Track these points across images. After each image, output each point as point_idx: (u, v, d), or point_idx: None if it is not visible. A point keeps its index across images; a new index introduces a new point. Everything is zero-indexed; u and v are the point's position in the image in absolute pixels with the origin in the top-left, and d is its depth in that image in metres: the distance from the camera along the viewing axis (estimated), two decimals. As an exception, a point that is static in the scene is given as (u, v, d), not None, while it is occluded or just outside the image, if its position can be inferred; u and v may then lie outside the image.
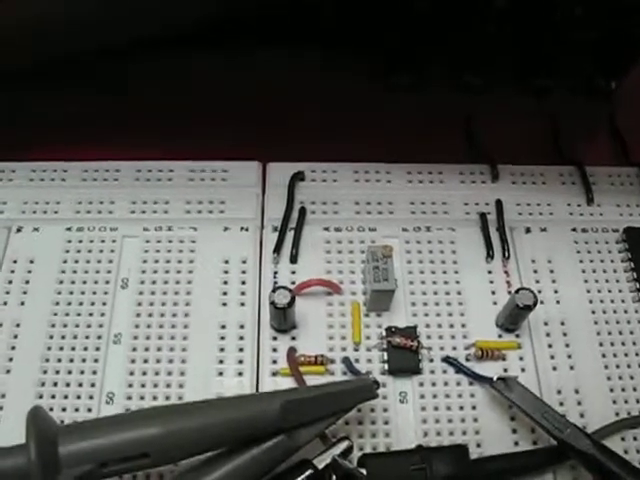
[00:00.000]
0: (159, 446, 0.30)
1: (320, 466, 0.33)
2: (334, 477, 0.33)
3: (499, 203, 0.45)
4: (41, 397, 0.38)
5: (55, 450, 0.30)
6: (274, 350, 0.39)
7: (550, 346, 0.41)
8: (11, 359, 0.39)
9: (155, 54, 0.45)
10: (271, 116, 0.47)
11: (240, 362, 0.39)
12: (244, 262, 0.42)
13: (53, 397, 0.38)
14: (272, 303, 0.37)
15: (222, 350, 0.39)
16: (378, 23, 0.45)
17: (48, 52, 0.42)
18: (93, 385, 0.38)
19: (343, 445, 0.34)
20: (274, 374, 0.39)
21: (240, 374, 0.39)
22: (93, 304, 0.40)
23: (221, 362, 0.39)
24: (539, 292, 0.41)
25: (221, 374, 0.39)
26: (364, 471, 0.34)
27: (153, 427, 0.31)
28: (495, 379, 0.37)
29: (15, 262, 0.42)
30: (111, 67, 0.46)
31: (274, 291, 0.37)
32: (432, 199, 0.45)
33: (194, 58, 0.45)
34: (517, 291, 0.38)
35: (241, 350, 0.39)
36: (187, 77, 0.47)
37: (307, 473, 0.33)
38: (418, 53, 0.48)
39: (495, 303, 0.42)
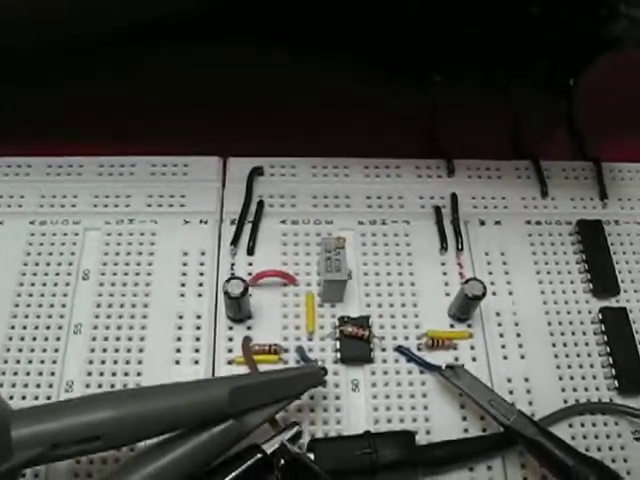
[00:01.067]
0: (110, 429, 0.31)
1: (269, 451, 0.34)
2: (282, 462, 0.34)
3: (454, 196, 0.46)
4: (1, 386, 0.38)
5: (7, 433, 0.30)
6: (230, 339, 0.40)
7: (501, 336, 0.41)
8: (-28, 348, 0.39)
9: (124, 48, 0.45)
10: (234, 110, 0.48)
11: (196, 351, 0.40)
12: (203, 254, 0.43)
13: (13, 386, 0.39)
14: (226, 293, 0.38)
15: (179, 339, 0.40)
16: (346, 21, 0.45)
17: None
18: (53, 374, 0.39)
19: (292, 430, 0.35)
20: (229, 363, 0.39)
21: (196, 362, 0.39)
22: (54, 295, 0.41)
23: (178, 351, 0.40)
24: (492, 284, 0.42)
25: (178, 362, 0.39)
26: (312, 456, 0.35)
27: (104, 410, 0.31)
28: (444, 367, 0.38)
29: (-21, 255, 0.42)
30: (73, 60, 0.46)
31: (228, 281, 0.38)
32: (388, 193, 0.46)
33: (167, 51, 0.46)
34: (466, 281, 0.39)
35: (198, 339, 0.40)
36: (157, 70, 0.47)
37: (255, 457, 0.34)
38: (385, 48, 0.48)
39: (448, 294, 0.42)
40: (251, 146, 0.46)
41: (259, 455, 0.34)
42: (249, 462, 0.34)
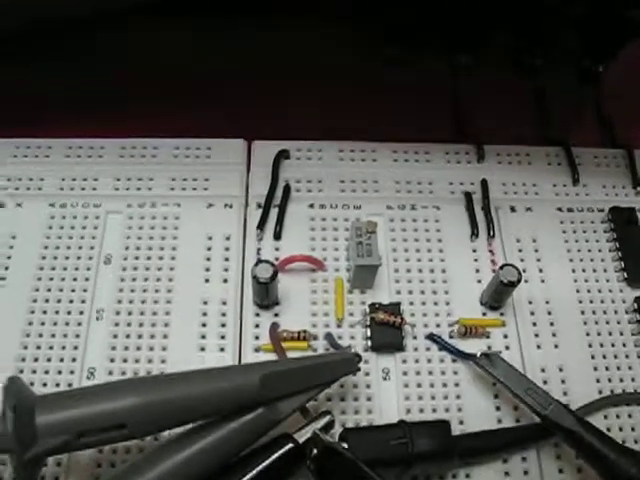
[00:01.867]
0: (136, 417, 0.30)
1: (301, 440, 0.33)
2: (315, 451, 0.33)
3: (484, 182, 0.45)
4: (22, 372, 0.37)
5: (32, 420, 0.29)
6: (257, 326, 0.39)
7: (534, 324, 0.40)
8: (-8, 334, 0.38)
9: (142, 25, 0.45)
10: (261, 93, 0.47)
11: (222, 338, 0.39)
12: (227, 239, 0.42)
13: (34, 372, 0.37)
14: (254, 277, 0.36)
15: (204, 326, 0.39)
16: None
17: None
18: (74, 360, 0.38)
19: (324, 419, 0.34)
20: (256, 350, 0.38)
21: (222, 350, 0.38)
22: (75, 280, 0.40)
23: (203, 337, 0.39)
24: (524, 271, 0.41)
25: (203, 349, 0.38)
26: (345, 445, 0.34)
27: (131, 397, 0.30)
28: (479, 355, 0.37)
29: (-3, 238, 0.41)
30: (106, 39, 0.45)
31: (257, 265, 0.37)
32: (417, 178, 0.45)
33: (187, 31, 0.45)
34: (501, 267, 0.38)
35: (223, 326, 0.39)
36: (175, 52, 0.46)
37: (287, 447, 0.33)
38: (411, 30, 0.47)
39: (479, 281, 0.41)
40: (277, 129, 0.45)
41: (291, 444, 0.33)
42: (280, 452, 0.32)
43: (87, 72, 0.47)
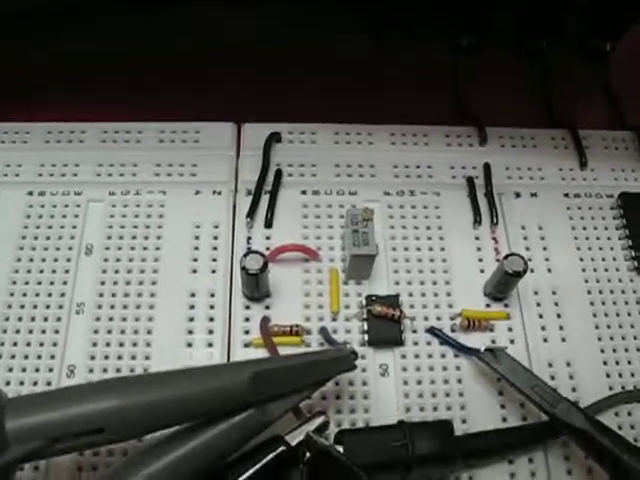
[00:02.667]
0: (116, 421, 0.28)
1: (293, 443, 0.31)
2: (308, 454, 0.31)
3: (487, 167, 0.43)
4: (-3, 370, 0.35)
5: (1, 424, 0.27)
6: (246, 320, 0.37)
7: (541, 316, 0.39)
8: (-34, 330, 0.36)
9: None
10: (250, 76, 0.45)
11: (210, 332, 0.37)
12: (216, 227, 0.40)
13: (10, 370, 0.36)
14: (243, 269, 0.34)
15: (191, 320, 0.37)
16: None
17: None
18: (53, 357, 0.36)
19: (318, 420, 0.32)
20: (246, 345, 0.37)
21: (210, 345, 0.37)
22: (55, 272, 0.38)
23: (190, 332, 0.37)
24: (529, 260, 0.39)
25: (190, 345, 0.37)
26: (341, 448, 0.32)
27: (109, 400, 0.28)
28: (483, 350, 0.35)
29: (-27, 228, 0.39)
30: (76, 23, 0.43)
31: (246, 256, 0.35)
32: (416, 162, 0.43)
33: (185, 19, 0.43)
34: (506, 257, 0.36)
35: (211, 320, 0.37)
36: (161, 31, 0.44)
37: (279, 450, 0.31)
38: (410, 11, 0.45)
39: (482, 271, 0.40)
40: (268, 111, 0.44)
41: (282, 447, 0.31)
42: (272, 455, 0.31)
43: (67, 54, 0.44)
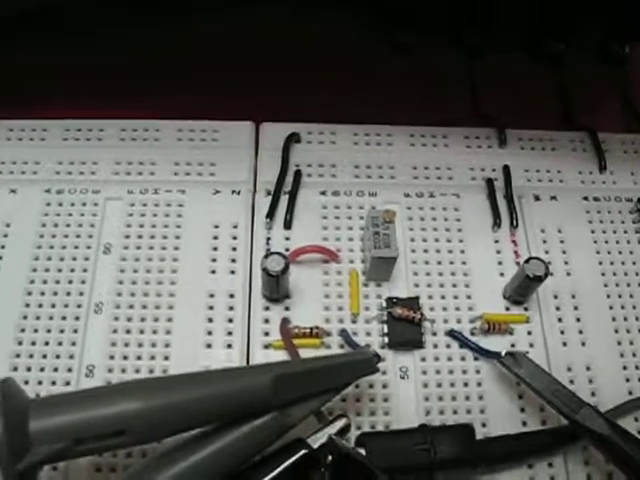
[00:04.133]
0: (138, 423, 0.28)
1: (315, 445, 0.31)
2: (330, 457, 0.31)
3: (507, 169, 0.43)
4: (16, 369, 0.35)
5: (25, 425, 0.27)
6: (266, 321, 0.37)
7: (560, 320, 0.38)
8: (-16, 328, 0.36)
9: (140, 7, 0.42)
10: (269, 74, 0.45)
11: (229, 333, 0.37)
12: (235, 227, 0.40)
13: (29, 370, 0.35)
14: (264, 270, 0.34)
15: (210, 321, 0.37)
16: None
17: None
18: (72, 357, 0.36)
19: (340, 423, 0.32)
20: (266, 347, 0.36)
21: (229, 346, 0.36)
22: (73, 271, 0.38)
23: (209, 333, 0.37)
24: (549, 263, 0.38)
25: (209, 346, 0.36)
26: (363, 451, 0.32)
27: (132, 402, 0.28)
28: (503, 354, 0.35)
29: (-9, 225, 0.39)
30: (109, 27, 0.43)
31: (267, 257, 0.34)
32: (436, 164, 0.43)
33: (186, 11, 0.43)
34: (527, 261, 0.36)
35: (230, 321, 0.37)
36: (182, 30, 0.44)
37: (301, 453, 0.31)
38: (426, 12, 0.45)
39: (502, 274, 0.39)
40: (287, 115, 0.43)
41: (304, 450, 0.31)
42: (293, 458, 0.30)
43: (87, 51, 0.44)
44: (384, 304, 0.37)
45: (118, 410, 0.28)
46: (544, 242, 0.41)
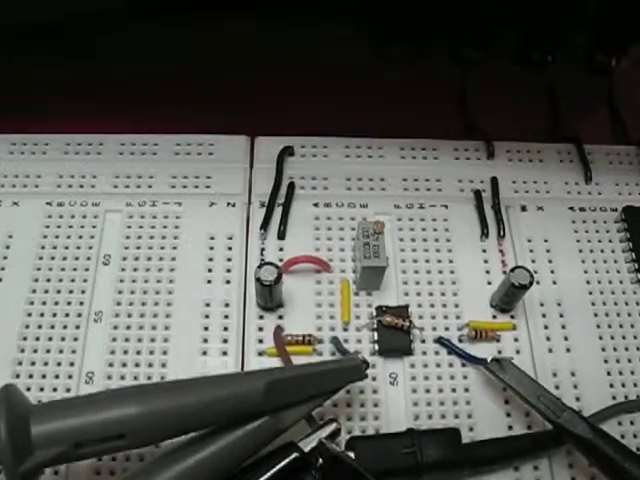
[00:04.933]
0: (136, 427, 0.29)
1: (306, 449, 0.32)
2: (320, 461, 0.32)
3: (494, 180, 0.44)
4: (18, 376, 0.36)
5: (27, 430, 0.28)
6: (260, 329, 0.38)
7: (546, 327, 0.39)
8: (-13, 337, 0.37)
9: (144, 22, 0.44)
10: (262, 88, 0.46)
11: (225, 341, 0.38)
12: (230, 239, 0.41)
13: (30, 377, 0.36)
14: (258, 279, 0.35)
15: (206, 329, 0.38)
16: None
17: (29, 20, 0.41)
18: (72, 364, 0.37)
19: (331, 428, 0.33)
20: (260, 354, 0.37)
21: (224, 354, 0.37)
22: (73, 281, 0.39)
23: (205, 341, 0.38)
24: (535, 272, 0.40)
25: (205, 353, 0.37)
26: (352, 454, 0.33)
27: (130, 407, 0.29)
28: (489, 360, 0.36)
29: (-7, 237, 0.40)
30: (107, 36, 0.44)
31: (260, 267, 0.36)
32: (426, 175, 0.44)
33: (181, 26, 0.44)
34: (513, 270, 0.37)
35: (226, 329, 0.38)
36: (175, 46, 0.45)
37: (292, 456, 0.32)
38: (416, 24, 0.46)
39: (489, 283, 0.40)
40: (280, 128, 0.44)
41: (296, 454, 0.32)
42: (285, 461, 0.31)
43: (87, 67, 0.45)
44: (374, 312, 0.38)
45: (117, 414, 0.29)
46: (531, 251, 0.42)
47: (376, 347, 0.38)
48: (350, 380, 0.34)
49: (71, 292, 0.39)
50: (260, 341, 0.38)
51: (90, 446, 0.29)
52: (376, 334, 0.38)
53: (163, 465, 0.30)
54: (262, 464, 0.31)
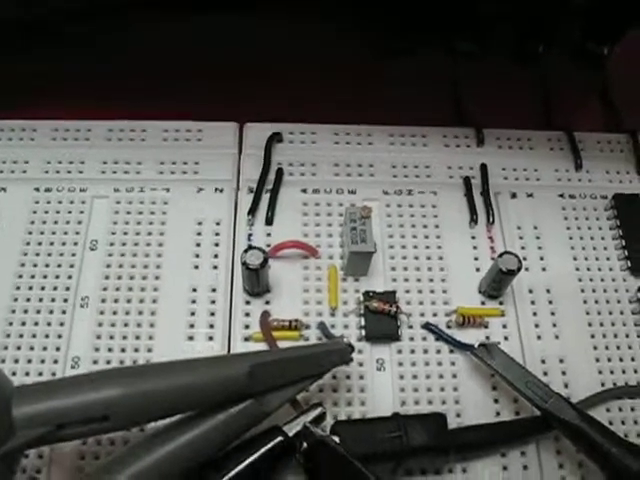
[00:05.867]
0: (120, 408, 0.29)
1: (290, 433, 0.32)
2: (305, 445, 0.32)
3: (484, 167, 0.44)
4: (4, 361, 0.36)
5: (9, 411, 0.28)
6: (247, 314, 0.38)
7: (535, 314, 0.39)
8: (-28, 322, 0.37)
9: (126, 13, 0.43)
10: (253, 75, 0.46)
11: (211, 326, 0.38)
12: (218, 224, 0.41)
13: (16, 361, 0.36)
14: (244, 264, 0.35)
15: (193, 314, 0.38)
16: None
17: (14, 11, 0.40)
18: (58, 349, 0.37)
19: (315, 412, 0.33)
20: (246, 339, 0.37)
21: (211, 338, 0.37)
22: (60, 266, 0.39)
23: (191, 326, 0.38)
24: (524, 259, 0.39)
25: (191, 338, 0.37)
26: (337, 439, 0.33)
27: (113, 388, 0.29)
28: (477, 346, 0.36)
29: (-19, 222, 0.40)
30: (79, 27, 0.44)
31: (246, 252, 0.35)
32: (415, 162, 0.44)
33: (185, 23, 0.44)
34: (501, 255, 0.37)
35: (212, 314, 0.38)
36: (167, 34, 0.45)
37: (277, 440, 0.32)
38: (412, 17, 0.46)
39: (478, 269, 0.40)
40: (269, 111, 0.44)
41: (280, 437, 0.32)
42: (269, 445, 0.31)
43: (75, 55, 0.45)
44: (361, 298, 0.38)
45: (100, 396, 0.29)
46: (520, 238, 0.42)
47: (363, 332, 0.38)
48: (335, 364, 0.34)
49: (57, 277, 0.39)
50: (247, 326, 0.38)
51: (73, 427, 0.29)
52: (363, 320, 0.38)
53: (147, 448, 0.30)
54: (246, 448, 0.31)
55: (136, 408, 0.29)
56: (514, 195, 0.43)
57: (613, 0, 0.45)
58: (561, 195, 0.43)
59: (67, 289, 0.38)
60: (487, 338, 0.38)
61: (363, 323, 0.38)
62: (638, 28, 0.43)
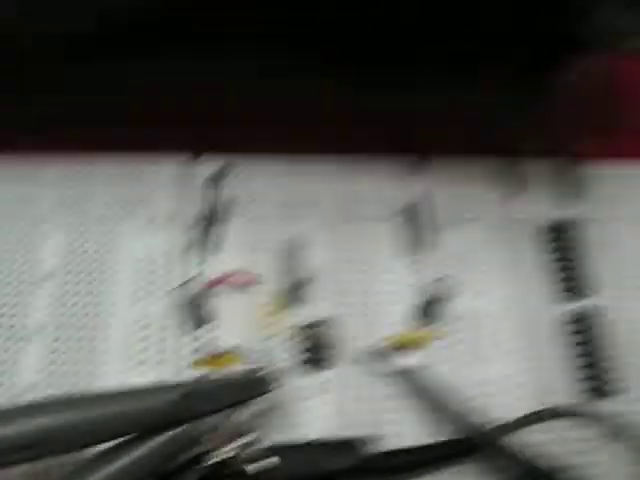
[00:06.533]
0: (45, 437, 0.30)
1: (220, 459, 0.33)
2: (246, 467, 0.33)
3: (425, 194, 0.45)
4: None
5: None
6: (191, 342, 0.40)
7: (466, 339, 0.41)
8: None
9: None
10: (203, 107, 0.46)
11: (159, 353, 0.39)
12: (163, 257, 0.42)
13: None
14: (186, 295, 0.37)
15: (137, 343, 0.39)
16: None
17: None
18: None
19: (247, 438, 0.35)
20: (191, 366, 0.39)
21: (155, 366, 0.39)
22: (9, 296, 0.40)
23: (136, 355, 0.39)
24: (458, 285, 0.41)
25: (135, 367, 0.39)
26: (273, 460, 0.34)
27: (38, 418, 0.30)
28: (399, 372, 0.38)
29: None
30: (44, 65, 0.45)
31: (187, 283, 0.37)
32: (357, 191, 0.45)
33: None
34: (433, 282, 0.39)
35: (156, 344, 0.39)
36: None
37: (206, 466, 0.33)
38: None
39: (413, 295, 0.41)
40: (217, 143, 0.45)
41: (209, 463, 0.33)
42: (199, 472, 0.33)
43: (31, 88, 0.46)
44: (300, 325, 0.40)
45: (25, 426, 0.30)
46: (455, 265, 0.43)
47: (301, 358, 0.39)
48: (263, 391, 0.35)
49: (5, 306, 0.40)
50: (190, 354, 0.39)
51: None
52: (301, 346, 0.39)
53: (79, 476, 0.31)
54: (176, 475, 0.33)
55: (61, 437, 0.31)
56: (451, 222, 0.44)
57: (552, 28, 0.45)
58: (498, 221, 0.45)
59: (11, 326, 0.40)
60: (420, 363, 0.40)
61: (301, 349, 0.39)
62: (570, 59, 0.43)
